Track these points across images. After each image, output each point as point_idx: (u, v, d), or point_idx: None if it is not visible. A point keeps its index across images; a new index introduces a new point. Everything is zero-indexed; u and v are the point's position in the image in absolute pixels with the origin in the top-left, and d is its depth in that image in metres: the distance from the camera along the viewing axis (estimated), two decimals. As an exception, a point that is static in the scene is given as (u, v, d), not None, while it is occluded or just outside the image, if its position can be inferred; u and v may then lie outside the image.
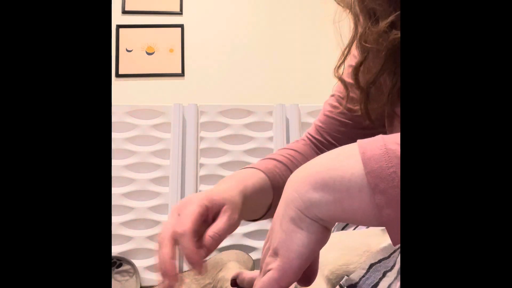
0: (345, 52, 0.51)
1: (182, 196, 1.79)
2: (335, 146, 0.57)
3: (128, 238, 1.75)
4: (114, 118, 1.81)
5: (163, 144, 1.84)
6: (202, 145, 1.85)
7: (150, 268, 1.74)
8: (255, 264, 1.71)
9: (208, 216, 0.44)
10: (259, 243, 1.78)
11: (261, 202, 0.54)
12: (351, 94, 0.56)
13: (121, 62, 2.15)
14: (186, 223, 0.41)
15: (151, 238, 1.76)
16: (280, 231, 0.31)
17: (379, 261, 0.42)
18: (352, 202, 0.28)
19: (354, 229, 0.61)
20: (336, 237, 0.46)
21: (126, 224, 1.76)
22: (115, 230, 1.74)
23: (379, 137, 0.29)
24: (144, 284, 1.72)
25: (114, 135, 1.80)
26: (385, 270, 0.41)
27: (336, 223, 0.64)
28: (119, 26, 2.17)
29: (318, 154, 0.54)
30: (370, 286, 0.39)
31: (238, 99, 2.13)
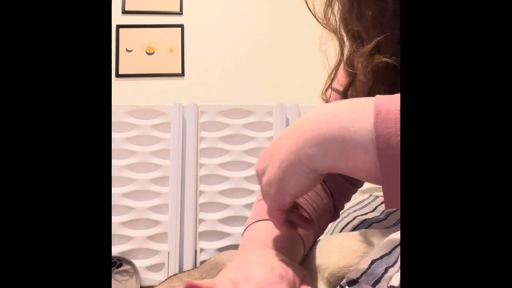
0: (332, 76, 0.52)
1: (182, 196, 1.79)
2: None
3: (128, 238, 1.75)
4: (114, 118, 1.81)
5: (163, 144, 1.84)
6: (202, 145, 1.85)
7: (150, 268, 1.74)
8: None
9: None
10: (259, 243, 1.78)
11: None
12: None
13: (121, 62, 2.15)
14: None
15: (151, 238, 1.76)
16: (278, 170, 0.34)
17: (381, 257, 0.41)
18: (356, 161, 0.29)
19: (353, 230, 0.61)
20: (335, 239, 0.46)
21: (126, 224, 1.76)
22: (115, 230, 1.74)
23: (397, 96, 0.29)
24: (144, 284, 1.72)
25: (114, 135, 1.80)
26: (387, 266, 0.41)
27: (334, 228, 0.64)
28: (119, 26, 2.17)
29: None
30: (372, 281, 0.39)
31: (238, 99, 2.13)
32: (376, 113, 0.28)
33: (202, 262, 1.74)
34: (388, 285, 0.39)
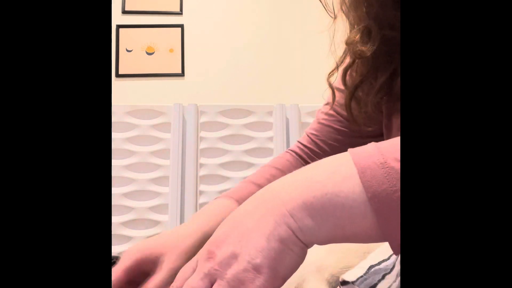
0: (339, 63, 0.52)
1: (182, 196, 1.79)
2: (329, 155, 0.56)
3: (128, 238, 1.75)
4: (114, 118, 1.81)
5: (163, 144, 1.84)
6: (202, 145, 1.85)
7: (150, 268, 1.74)
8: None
9: (147, 267, 0.43)
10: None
11: None
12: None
13: (121, 62, 2.15)
14: (114, 279, 0.41)
15: (151, 238, 1.76)
16: (267, 248, 0.27)
17: (379, 263, 0.41)
18: (354, 227, 0.26)
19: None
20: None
21: (126, 224, 1.76)
22: (115, 230, 1.74)
23: (374, 148, 0.27)
24: (144, 284, 1.72)
25: (114, 135, 1.80)
26: (384, 272, 0.41)
27: None
28: (119, 26, 2.17)
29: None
30: (368, 287, 0.39)
31: (238, 99, 2.13)
32: (362, 172, 0.26)
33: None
34: (340, 280, 0.40)
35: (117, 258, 1.64)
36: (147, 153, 1.82)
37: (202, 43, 2.22)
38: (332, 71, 0.53)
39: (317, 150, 0.61)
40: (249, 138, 1.88)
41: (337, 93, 0.59)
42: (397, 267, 0.40)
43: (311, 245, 0.28)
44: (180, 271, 0.30)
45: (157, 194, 1.80)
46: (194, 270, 0.29)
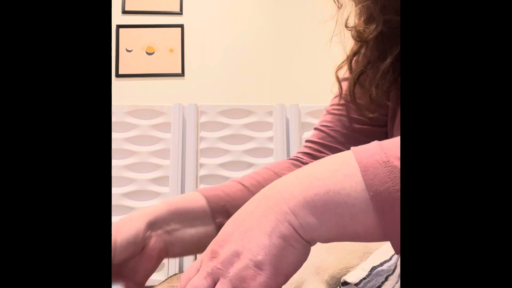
0: (351, 55, 0.52)
1: (182, 196, 1.79)
2: (341, 145, 0.55)
3: (128, 238, 1.75)
4: (114, 118, 1.81)
5: (163, 144, 1.84)
6: (202, 145, 1.85)
7: (150, 268, 1.74)
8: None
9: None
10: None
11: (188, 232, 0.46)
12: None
13: (121, 62, 2.15)
14: None
15: (151, 238, 1.76)
16: (269, 245, 0.27)
17: (381, 264, 0.41)
18: (356, 226, 0.26)
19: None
20: (334, 240, 0.46)
21: (126, 224, 1.76)
22: (115, 230, 1.74)
23: (377, 147, 0.27)
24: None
25: (114, 135, 1.80)
26: (387, 274, 0.41)
27: None
28: (119, 26, 2.17)
29: None
30: None
31: (238, 99, 2.13)
32: (364, 171, 0.26)
33: (202, 262, 1.73)
34: (342, 281, 0.40)
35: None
36: (147, 153, 1.82)
37: (202, 43, 2.22)
38: (341, 64, 0.53)
39: (327, 143, 0.57)
40: (249, 138, 1.88)
41: (345, 84, 0.58)
42: (399, 268, 0.40)
43: (314, 243, 0.28)
44: (185, 271, 0.31)
45: (157, 194, 1.80)
46: (198, 270, 0.29)
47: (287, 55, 2.24)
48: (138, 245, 0.42)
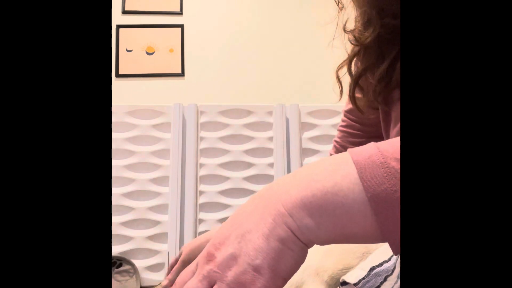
0: (351, 57, 0.53)
1: (182, 196, 1.79)
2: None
3: (128, 238, 1.75)
4: (114, 118, 1.81)
5: (163, 144, 1.84)
6: (202, 145, 1.85)
7: (150, 268, 1.74)
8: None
9: (195, 256, 0.46)
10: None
11: None
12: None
13: (121, 62, 2.15)
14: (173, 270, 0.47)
15: (151, 238, 1.76)
16: (266, 248, 0.26)
17: (380, 264, 0.41)
18: (354, 227, 0.26)
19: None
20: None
21: (126, 224, 1.76)
22: (115, 230, 1.74)
23: (374, 148, 0.27)
24: (144, 284, 1.72)
25: (114, 135, 1.80)
26: (386, 274, 0.41)
27: None
28: (119, 26, 2.17)
29: None
30: None
31: (238, 99, 2.13)
32: (361, 172, 0.26)
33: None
34: (341, 280, 0.40)
35: (117, 258, 1.64)
36: (147, 153, 1.82)
37: (202, 43, 2.22)
38: (342, 63, 0.54)
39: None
40: (249, 138, 1.88)
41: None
42: (398, 268, 0.40)
43: (311, 245, 0.28)
44: (180, 274, 0.30)
45: (157, 194, 1.80)
46: (193, 273, 0.29)
47: (287, 55, 2.24)
48: None
